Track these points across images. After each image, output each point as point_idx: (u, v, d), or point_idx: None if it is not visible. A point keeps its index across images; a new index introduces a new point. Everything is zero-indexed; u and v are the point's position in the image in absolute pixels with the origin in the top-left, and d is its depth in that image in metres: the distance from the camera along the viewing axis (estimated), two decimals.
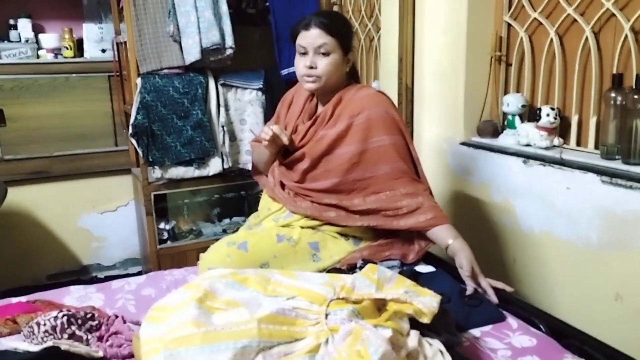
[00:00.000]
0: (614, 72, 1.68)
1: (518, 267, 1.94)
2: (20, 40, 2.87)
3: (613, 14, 1.68)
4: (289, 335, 1.02)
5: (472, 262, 1.46)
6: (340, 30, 1.62)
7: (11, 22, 2.86)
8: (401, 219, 1.59)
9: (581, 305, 1.71)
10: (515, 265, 1.96)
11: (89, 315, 1.26)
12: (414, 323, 1.08)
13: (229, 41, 2.50)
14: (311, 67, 1.60)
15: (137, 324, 1.28)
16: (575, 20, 1.81)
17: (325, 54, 1.60)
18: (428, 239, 1.61)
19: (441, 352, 1.05)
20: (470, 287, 1.44)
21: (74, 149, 3.07)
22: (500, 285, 1.45)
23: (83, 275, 3.25)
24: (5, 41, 2.84)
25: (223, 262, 1.53)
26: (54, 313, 1.24)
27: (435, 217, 1.57)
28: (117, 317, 1.28)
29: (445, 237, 1.54)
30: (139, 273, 3.16)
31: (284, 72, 2.65)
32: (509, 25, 2.09)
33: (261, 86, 2.67)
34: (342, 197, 1.64)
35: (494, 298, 1.40)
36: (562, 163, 1.75)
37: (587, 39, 1.76)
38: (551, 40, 1.89)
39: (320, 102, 1.73)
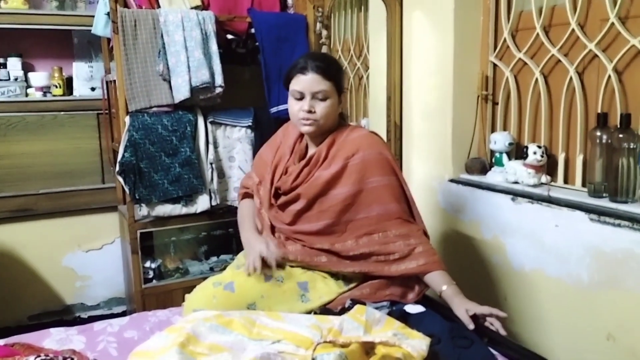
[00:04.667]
0: (599, 111, 1.70)
1: (509, 305, 1.92)
2: (9, 79, 2.86)
3: (596, 55, 1.72)
4: None
5: (468, 310, 1.44)
6: (336, 74, 1.63)
7: (1, 60, 2.86)
8: (392, 265, 1.58)
9: (573, 345, 1.69)
10: (506, 304, 1.93)
11: None
12: None
13: (219, 80, 2.51)
14: (309, 111, 1.60)
15: None
16: (559, 60, 1.84)
17: (323, 99, 1.60)
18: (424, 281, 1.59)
19: None
20: (470, 327, 1.41)
21: (61, 186, 3.02)
22: (497, 325, 1.41)
23: (66, 315, 3.15)
24: None
25: (209, 303, 1.49)
26: (32, 358, 1.20)
27: (427, 263, 1.56)
28: None
29: (439, 283, 1.53)
30: (124, 313, 3.08)
31: (273, 110, 2.66)
32: (495, 65, 2.12)
33: (250, 124, 2.67)
34: (334, 240, 1.62)
35: (499, 325, 1.38)
36: (550, 201, 1.75)
37: (571, 78, 1.79)
38: (536, 79, 1.92)
39: (312, 144, 1.71)
